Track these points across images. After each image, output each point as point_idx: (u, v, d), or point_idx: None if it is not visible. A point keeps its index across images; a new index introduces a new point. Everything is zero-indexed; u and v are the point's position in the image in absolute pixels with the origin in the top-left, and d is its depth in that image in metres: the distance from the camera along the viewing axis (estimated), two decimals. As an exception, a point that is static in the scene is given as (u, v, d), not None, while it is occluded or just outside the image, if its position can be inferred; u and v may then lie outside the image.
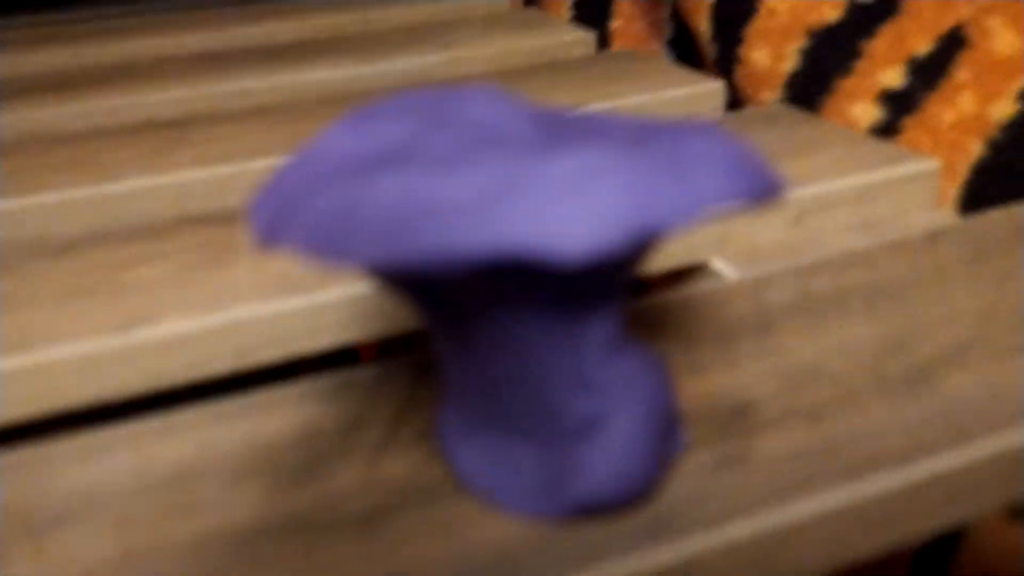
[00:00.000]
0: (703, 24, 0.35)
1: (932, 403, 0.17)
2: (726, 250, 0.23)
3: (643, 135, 0.14)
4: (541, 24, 0.41)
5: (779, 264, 0.22)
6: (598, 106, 0.31)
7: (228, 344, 0.20)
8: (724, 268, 0.23)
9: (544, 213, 0.12)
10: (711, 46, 0.35)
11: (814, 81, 0.32)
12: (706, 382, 0.18)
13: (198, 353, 0.20)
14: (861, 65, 0.32)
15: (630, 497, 0.14)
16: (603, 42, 0.41)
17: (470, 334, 0.14)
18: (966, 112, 0.28)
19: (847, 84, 0.32)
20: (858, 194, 0.25)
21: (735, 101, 0.35)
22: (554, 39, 0.39)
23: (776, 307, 0.20)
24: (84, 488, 0.16)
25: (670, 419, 0.15)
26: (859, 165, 0.25)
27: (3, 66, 0.39)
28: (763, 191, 0.13)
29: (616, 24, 0.41)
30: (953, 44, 0.29)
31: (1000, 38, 0.28)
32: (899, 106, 0.30)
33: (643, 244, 0.13)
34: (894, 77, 0.31)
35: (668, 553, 0.14)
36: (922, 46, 0.30)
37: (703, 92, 0.33)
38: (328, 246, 0.12)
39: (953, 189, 0.27)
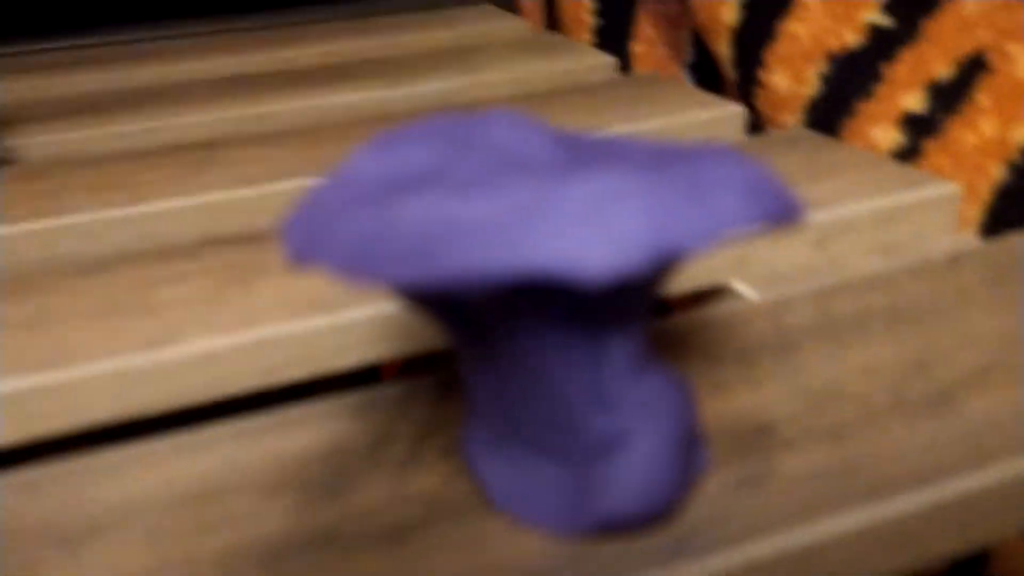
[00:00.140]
0: (724, 48, 0.36)
1: (953, 425, 0.17)
2: (746, 272, 0.24)
3: (663, 159, 0.14)
4: (563, 48, 0.42)
5: (800, 286, 0.22)
6: (620, 129, 0.31)
7: (255, 362, 0.20)
8: (745, 290, 0.23)
9: (566, 235, 0.12)
10: (732, 70, 0.36)
11: (835, 105, 0.33)
12: (728, 402, 0.18)
13: (226, 371, 0.20)
14: (882, 89, 0.32)
15: (652, 515, 0.15)
16: (625, 66, 0.42)
17: (494, 353, 0.14)
18: (987, 136, 0.29)
19: (868, 108, 0.32)
20: (879, 217, 0.25)
21: (756, 125, 0.35)
22: (576, 63, 0.40)
23: (797, 328, 0.20)
24: (116, 502, 0.16)
25: (692, 438, 0.15)
26: (880, 189, 0.26)
27: (35, 89, 0.40)
28: (782, 214, 0.13)
29: (638, 48, 0.42)
30: (974, 68, 0.29)
31: (1021, 63, 0.28)
32: (920, 130, 0.31)
33: (664, 266, 0.13)
34: (915, 101, 0.31)
35: (690, 572, 0.14)
36: (943, 70, 0.31)
37: (724, 116, 0.33)
38: (359, 266, 0.12)
39: (974, 212, 0.27)
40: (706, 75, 0.39)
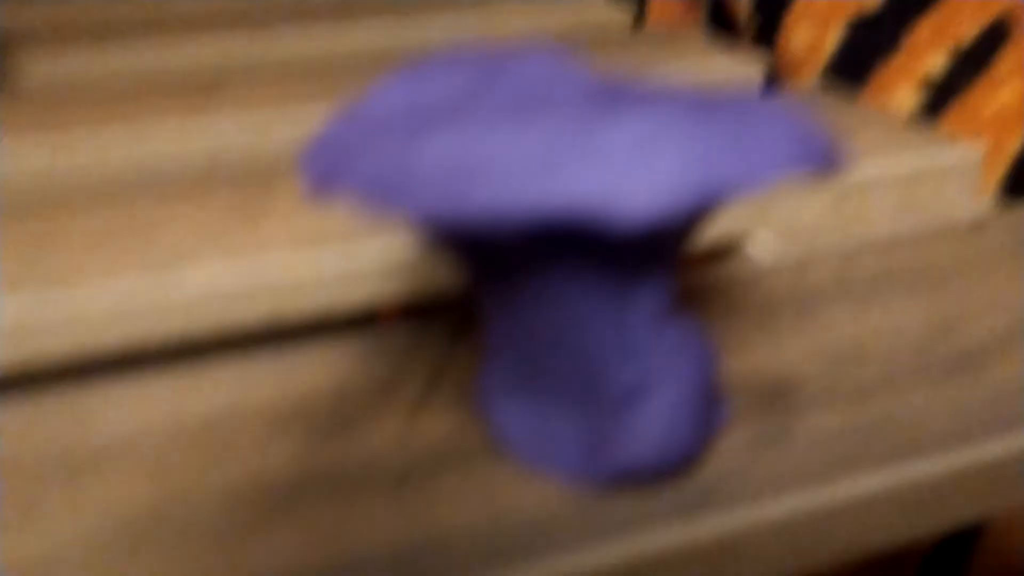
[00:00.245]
0: (742, 4, 0.35)
1: (977, 390, 0.17)
2: (766, 228, 0.23)
3: (704, 102, 0.13)
4: (578, -4, 0.41)
5: (820, 244, 0.22)
6: (642, 78, 0.30)
7: (261, 297, 0.20)
8: (764, 246, 0.23)
9: (606, 173, 0.11)
10: (750, 26, 0.35)
11: (855, 65, 0.32)
12: (748, 358, 0.18)
13: (232, 303, 0.19)
14: (904, 49, 0.31)
15: (671, 467, 0.14)
16: (640, 18, 0.41)
17: (517, 296, 0.14)
18: (1008, 103, 0.28)
19: (888, 69, 0.31)
20: (900, 179, 0.24)
21: (772, 80, 0.35)
22: (592, 14, 0.39)
23: (818, 287, 0.20)
24: (120, 433, 0.16)
25: (713, 392, 0.15)
26: (901, 150, 0.25)
27: (41, 15, 0.39)
28: (825, 163, 0.13)
29: (654, 1, 0.41)
30: (997, 34, 0.29)
31: (1050, 27, 0.27)
32: (940, 93, 0.30)
33: (703, 211, 0.13)
34: (936, 64, 0.30)
35: (706, 527, 0.14)
36: (966, 34, 0.30)
37: (740, 72, 0.32)
38: (383, 196, 0.12)
39: (993, 178, 0.27)
40: (722, 31, 0.39)
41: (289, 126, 0.27)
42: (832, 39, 0.32)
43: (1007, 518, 0.26)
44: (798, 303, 0.19)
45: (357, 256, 0.20)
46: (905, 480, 0.15)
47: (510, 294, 0.14)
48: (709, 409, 0.15)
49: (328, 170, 0.13)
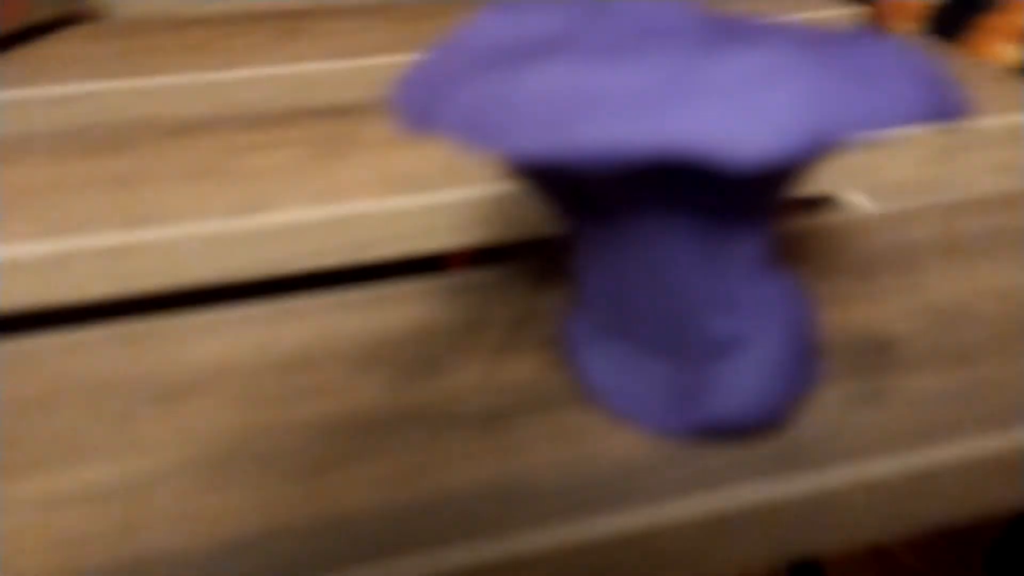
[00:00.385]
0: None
1: (1087, 357, 0.16)
2: (867, 181, 0.22)
3: (819, 42, 0.13)
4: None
5: (922, 199, 0.21)
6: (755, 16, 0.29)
7: (346, 236, 0.20)
8: (861, 200, 0.22)
9: (718, 112, 0.11)
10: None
11: (957, 15, 0.30)
12: (847, 314, 0.17)
13: (316, 242, 0.19)
14: (1007, 4, 0.29)
15: (762, 423, 0.14)
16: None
17: (614, 239, 0.14)
18: None
19: (992, 22, 0.30)
20: (1005, 135, 0.23)
21: (873, 30, 0.33)
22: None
23: (920, 244, 0.19)
24: (211, 362, 0.16)
25: (809, 348, 0.14)
26: (1004, 105, 0.24)
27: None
28: (949, 110, 0.12)
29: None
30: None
31: None
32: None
33: (816, 155, 0.12)
34: (1048, 16, 0.29)
35: (797, 485, 0.14)
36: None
37: (839, 17, 0.31)
38: (482, 133, 0.12)
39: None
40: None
41: (371, 65, 0.27)
42: (937, -13, 0.31)
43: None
44: (898, 259, 0.19)
45: (440, 200, 0.20)
46: (1006, 447, 0.14)
47: (604, 238, 0.14)
48: (804, 365, 0.14)
49: (424, 105, 0.13)
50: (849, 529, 0.14)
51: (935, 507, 0.14)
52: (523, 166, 0.13)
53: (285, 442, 0.14)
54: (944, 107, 0.12)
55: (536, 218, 0.20)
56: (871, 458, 0.14)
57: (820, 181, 0.22)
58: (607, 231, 0.13)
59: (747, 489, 0.13)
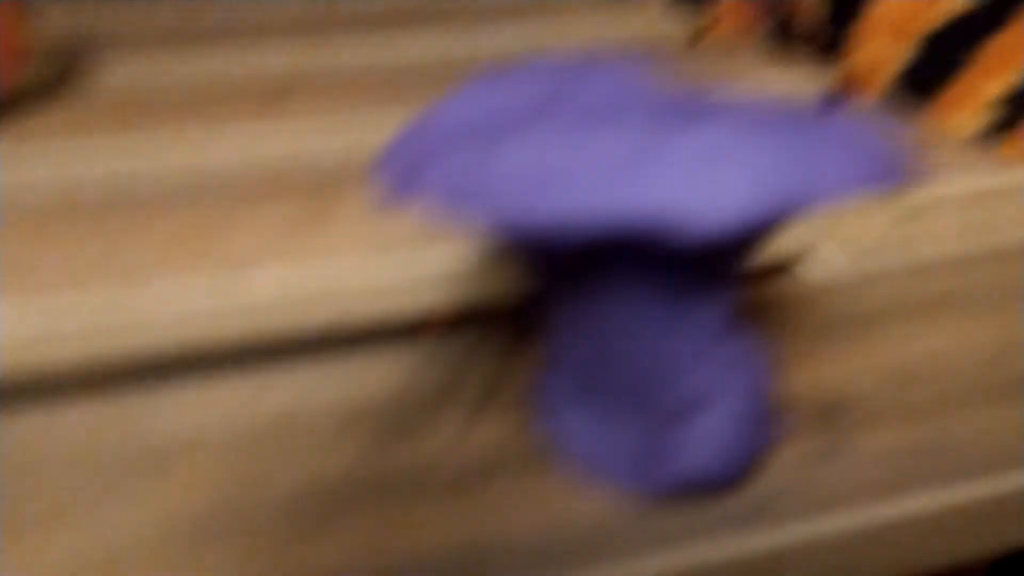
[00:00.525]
0: (808, 20, 0.35)
1: (1036, 415, 0.17)
2: (827, 245, 0.23)
3: (776, 116, 0.13)
4: (640, 8, 0.41)
5: (881, 263, 0.22)
6: (713, 90, 0.31)
7: (327, 300, 0.20)
8: (825, 263, 0.23)
9: (681, 183, 0.12)
10: (814, 42, 0.35)
11: (919, 85, 0.32)
12: (807, 373, 0.18)
13: (296, 309, 0.20)
14: (969, 72, 0.31)
15: (728, 480, 0.14)
16: (701, 30, 0.41)
17: (582, 304, 0.14)
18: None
19: (952, 90, 0.31)
20: (963, 199, 0.24)
21: (836, 94, 0.35)
22: (652, 24, 0.39)
23: (878, 306, 0.20)
24: (187, 434, 0.16)
25: (770, 407, 0.15)
26: (965, 170, 0.25)
27: (113, 19, 0.40)
28: (893, 180, 0.13)
29: (716, 12, 0.41)
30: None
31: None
32: (1005, 115, 0.30)
33: (772, 223, 0.13)
34: (1000, 87, 0.30)
35: (757, 541, 0.14)
36: (1033, 56, 0.30)
37: (803, 86, 0.32)
38: (459, 201, 0.12)
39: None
40: (785, 43, 0.39)
41: (356, 133, 0.28)
42: (901, 56, 0.32)
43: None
44: (857, 321, 0.19)
45: (420, 264, 0.20)
46: (958, 501, 0.15)
47: (574, 302, 0.14)
48: (765, 424, 0.15)
49: (404, 175, 0.13)
50: (811, 583, 0.14)
51: (890, 561, 0.15)
52: (499, 233, 0.14)
53: (261, 512, 0.15)
54: (888, 177, 0.13)
55: (511, 281, 0.21)
56: (828, 514, 0.14)
57: (787, 244, 0.23)
58: (575, 295, 0.14)
59: (712, 546, 0.14)
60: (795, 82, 0.32)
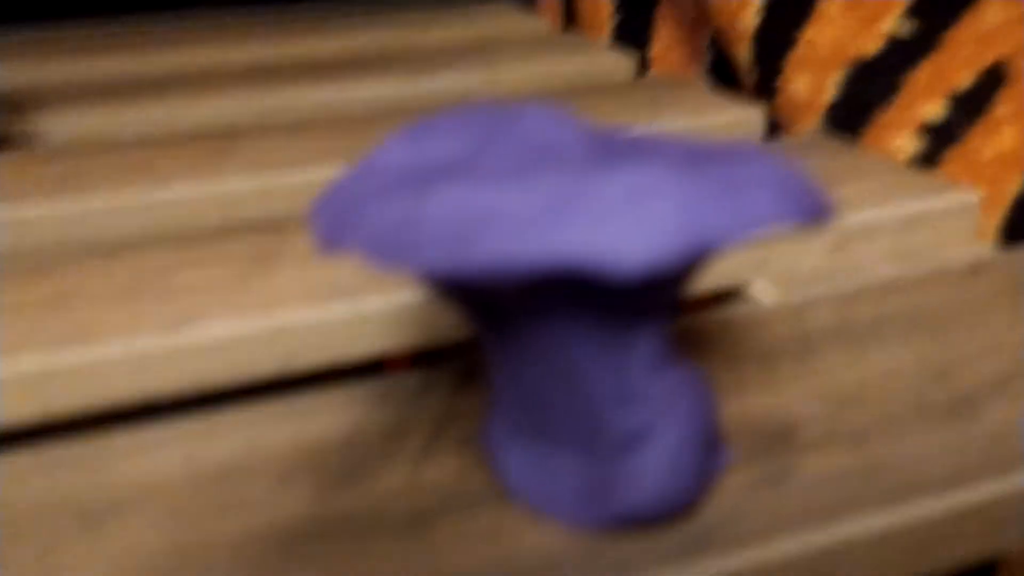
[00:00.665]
0: (743, 53, 0.36)
1: (974, 432, 0.17)
2: (765, 274, 0.24)
3: (696, 155, 0.14)
4: (581, 47, 0.42)
5: (819, 290, 0.22)
6: (639, 130, 0.31)
7: (274, 348, 0.20)
8: (763, 292, 0.23)
9: (600, 227, 0.12)
10: (750, 75, 0.36)
11: (854, 112, 0.32)
12: (747, 402, 0.18)
13: (244, 356, 0.20)
14: (901, 97, 0.32)
15: (672, 511, 0.15)
16: (643, 67, 0.42)
17: (520, 344, 0.14)
18: (1007, 147, 0.29)
19: (887, 116, 0.32)
20: (898, 224, 0.25)
21: (773, 129, 0.35)
22: (594, 63, 0.40)
23: (817, 332, 0.20)
24: (136, 481, 0.16)
25: (713, 436, 0.15)
26: (899, 195, 0.26)
27: (55, 72, 0.40)
28: (814, 213, 0.13)
29: (656, 49, 0.42)
30: (994, 79, 0.29)
31: (1044, 74, 0.28)
32: (939, 139, 0.30)
33: (695, 261, 0.13)
34: (934, 110, 0.31)
35: (707, 569, 0.14)
36: (963, 80, 0.31)
37: (742, 119, 0.33)
38: (389, 252, 0.13)
39: (992, 222, 0.27)
40: (724, 78, 0.39)
41: (301, 180, 0.28)
42: (830, 87, 0.33)
43: (1022, 553, 0.26)
44: (797, 347, 0.20)
45: (365, 307, 0.21)
46: (904, 522, 0.15)
47: (512, 343, 0.14)
48: (709, 453, 0.15)
49: (336, 225, 0.13)
50: (759, 610, 0.15)
51: (838, 583, 0.15)
52: (430, 281, 0.14)
53: (212, 560, 0.15)
54: (809, 210, 0.13)
55: (459, 322, 0.21)
56: (775, 539, 0.15)
57: (725, 274, 0.23)
58: (514, 336, 0.14)
59: (663, 575, 0.14)
60: (737, 115, 0.33)
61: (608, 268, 0.12)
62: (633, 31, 0.43)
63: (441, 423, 0.18)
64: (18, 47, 0.43)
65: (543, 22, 0.48)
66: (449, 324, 0.21)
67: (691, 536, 0.15)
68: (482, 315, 0.15)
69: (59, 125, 0.33)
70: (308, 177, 0.28)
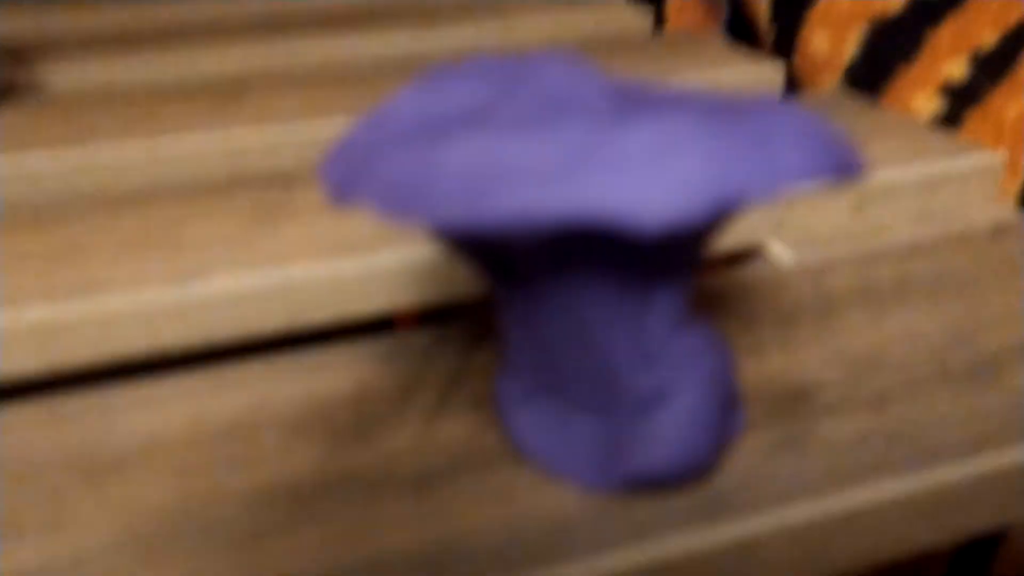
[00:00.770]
0: (761, 8, 0.35)
1: (996, 397, 0.17)
2: (784, 234, 0.23)
3: (723, 108, 0.13)
4: (597, 1, 0.41)
5: (839, 251, 0.22)
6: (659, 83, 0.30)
7: (281, 303, 0.20)
8: (782, 252, 0.23)
9: (624, 180, 0.11)
10: (769, 29, 0.35)
11: (874, 69, 0.32)
12: (766, 364, 0.18)
13: (252, 310, 0.20)
14: (924, 55, 0.31)
15: (688, 474, 0.14)
16: (659, 21, 0.41)
17: (536, 302, 0.14)
18: (1031, 108, 0.28)
19: (908, 74, 0.31)
20: (920, 184, 0.24)
21: (792, 85, 0.35)
22: (610, 16, 0.39)
23: (837, 293, 0.20)
24: (143, 435, 0.16)
25: (731, 398, 0.15)
26: (921, 155, 0.25)
27: (63, 22, 0.39)
28: (846, 169, 0.13)
29: (672, 4, 0.41)
30: (1019, 38, 0.29)
31: (1073, 32, 0.27)
32: (961, 98, 0.30)
33: (721, 217, 0.13)
34: (957, 69, 0.30)
35: (723, 533, 0.14)
36: (987, 39, 0.30)
37: (761, 75, 0.32)
38: (402, 205, 0.12)
39: (1014, 184, 0.27)
40: (740, 35, 0.39)
41: (310, 133, 0.27)
42: (851, 44, 0.32)
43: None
44: (817, 309, 0.19)
45: (376, 263, 0.20)
46: (922, 488, 0.15)
47: (527, 300, 0.14)
48: (726, 415, 0.15)
49: (347, 177, 0.13)
50: (774, 574, 0.14)
51: (856, 550, 0.15)
52: (444, 235, 0.13)
53: (220, 513, 0.14)
54: (838, 167, 0.13)
55: (472, 279, 0.21)
56: (792, 504, 0.14)
57: (743, 233, 0.23)
58: (529, 293, 0.14)
59: (674, 540, 0.14)
60: (755, 72, 0.32)
61: (629, 223, 0.11)
62: (649, -15, 0.42)
63: (452, 382, 0.17)
64: (22, -6, 0.42)
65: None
66: (462, 280, 0.21)
67: (706, 500, 0.14)
68: (496, 271, 0.14)
69: (64, 76, 0.33)
70: (317, 130, 0.27)
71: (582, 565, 0.13)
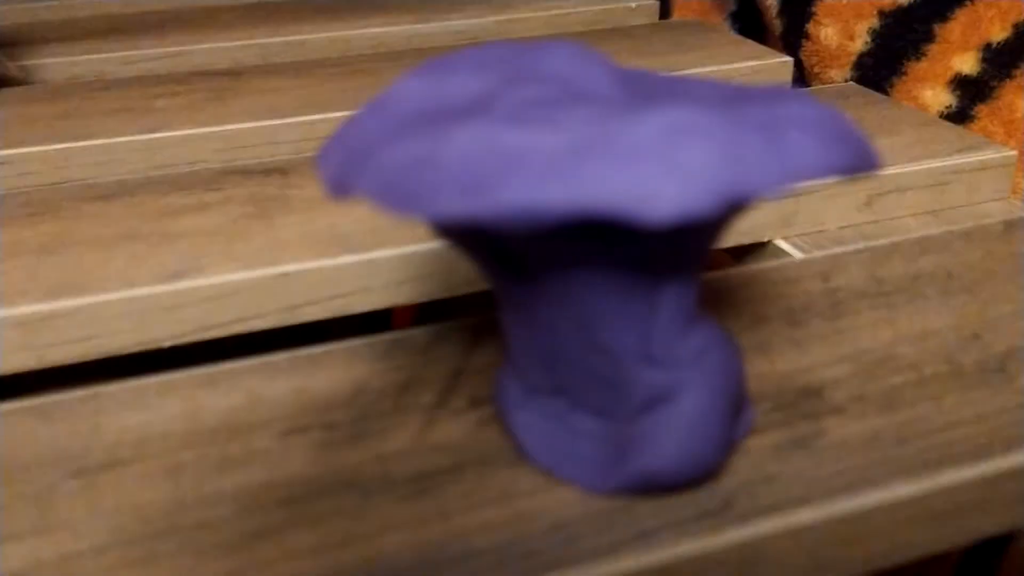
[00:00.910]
0: (769, 3, 0.34)
1: (1006, 398, 0.16)
2: (793, 229, 0.23)
3: (734, 97, 0.13)
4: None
5: (849, 247, 0.21)
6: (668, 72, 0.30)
7: (275, 298, 0.19)
8: (790, 247, 0.22)
9: (633, 172, 0.11)
10: (778, 20, 0.34)
11: (884, 63, 0.31)
12: (775, 362, 0.17)
13: (245, 305, 0.19)
14: (934, 49, 0.30)
15: (695, 475, 0.14)
16: (665, 11, 0.40)
17: (539, 299, 0.14)
18: (1041, 102, 0.27)
19: (919, 67, 0.31)
20: (931, 179, 0.24)
21: (800, 78, 0.34)
22: (616, 5, 0.38)
23: (846, 290, 0.19)
24: (134, 433, 0.16)
25: (739, 397, 0.15)
26: (932, 150, 0.25)
27: (55, 10, 0.39)
28: (860, 162, 0.12)
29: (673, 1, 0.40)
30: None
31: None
32: (972, 93, 0.29)
33: (732, 211, 0.12)
34: (968, 63, 0.30)
35: (729, 536, 0.14)
36: (998, 33, 0.29)
37: (770, 66, 0.32)
38: (403, 198, 0.12)
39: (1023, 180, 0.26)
40: (748, 25, 0.38)
41: (306, 125, 0.27)
42: (860, 37, 0.32)
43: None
44: (827, 306, 0.19)
45: (374, 257, 0.20)
46: (934, 489, 0.15)
47: (530, 296, 0.14)
48: (734, 415, 0.14)
49: (346, 168, 0.13)
50: (783, 580, 0.14)
51: (865, 552, 0.14)
52: (444, 229, 0.13)
53: (212, 514, 0.14)
54: (854, 160, 0.12)
55: (471, 274, 0.20)
56: (803, 505, 0.14)
57: (751, 229, 0.22)
58: (532, 289, 0.14)
59: (680, 543, 0.13)
60: (763, 61, 0.32)
61: (638, 215, 0.11)
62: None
63: (452, 380, 0.17)
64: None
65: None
66: (462, 276, 0.20)
67: (713, 502, 0.14)
68: (498, 266, 0.14)
69: (57, 63, 0.32)
70: (313, 120, 0.27)
71: (585, 570, 0.13)
